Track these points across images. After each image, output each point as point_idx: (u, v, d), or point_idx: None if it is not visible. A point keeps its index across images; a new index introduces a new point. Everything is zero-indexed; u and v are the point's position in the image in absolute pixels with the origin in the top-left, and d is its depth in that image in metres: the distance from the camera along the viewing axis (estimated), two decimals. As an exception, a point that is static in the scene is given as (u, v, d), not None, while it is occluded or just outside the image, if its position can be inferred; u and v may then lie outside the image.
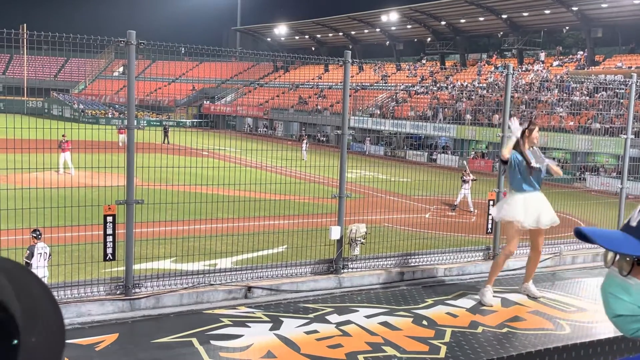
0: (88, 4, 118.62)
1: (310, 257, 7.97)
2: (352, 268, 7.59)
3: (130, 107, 6.21)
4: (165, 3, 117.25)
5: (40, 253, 10.84)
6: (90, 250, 7.40)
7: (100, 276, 6.68)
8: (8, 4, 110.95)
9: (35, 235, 10.79)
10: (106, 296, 6.10)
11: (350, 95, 7.79)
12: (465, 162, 23.64)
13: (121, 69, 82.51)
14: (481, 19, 54.68)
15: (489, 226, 8.67)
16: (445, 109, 47.52)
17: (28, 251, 10.75)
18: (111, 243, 6.09)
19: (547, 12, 49.57)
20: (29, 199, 7.12)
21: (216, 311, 6.34)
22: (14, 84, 71.57)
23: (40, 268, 10.62)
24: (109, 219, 6.06)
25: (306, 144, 37.71)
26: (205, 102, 74.96)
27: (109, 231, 6.04)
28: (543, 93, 42.21)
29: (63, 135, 20.83)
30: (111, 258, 6.13)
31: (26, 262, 10.66)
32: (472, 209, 22.86)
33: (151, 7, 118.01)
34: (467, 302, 7.23)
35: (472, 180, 22.68)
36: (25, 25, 76.98)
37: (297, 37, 77.07)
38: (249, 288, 6.72)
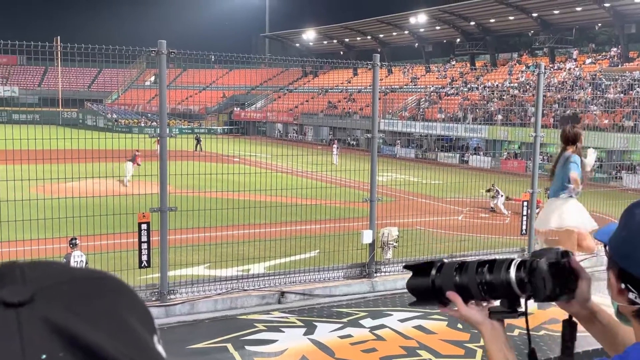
0: (119, 15, 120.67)
1: (342, 262, 7.96)
2: (385, 272, 7.56)
3: (163, 115, 6.30)
4: (194, 12, 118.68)
5: (77, 261, 11.05)
6: (125, 257, 7.50)
7: (135, 283, 6.76)
8: (41, 16, 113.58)
9: (72, 244, 11.01)
10: (142, 303, 6.17)
11: (379, 99, 7.77)
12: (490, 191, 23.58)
13: (153, 78, 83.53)
14: (511, 18, 54.07)
15: (524, 227, 8.55)
16: (476, 110, 47.09)
17: (65, 259, 10.97)
18: (146, 250, 6.17)
19: (578, 9, 48.81)
20: (65, 208, 7.25)
21: (250, 316, 6.38)
22: (49, 95, 73.07)
23: None
24: (144, 226, 6.14)
25: (337, 148, 37.66)
26: (235, 109, 75.49)
27: (144, 238, 6.12)
28: (576, 91, 41.57)
29: (137, 150, 21.63)
30: (146, 265, 6.20)
31: None
32: (505, 212, 22.66)
33: (181, 16, 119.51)
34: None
35: (501, 196, 22.81)
36: (59, 37, 78.59)
37: (325, 42, 77.24)
38: (282, 293, 6.74)
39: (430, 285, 1.61)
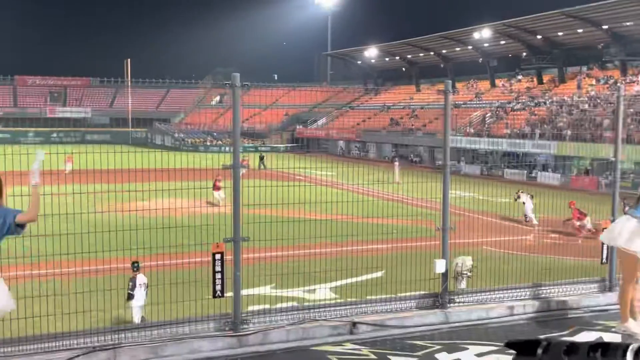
0: (186, 35, 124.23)
1: (409, 283, 7.84)
2: (459, 302, 7.35)
3: (236, 147, 6.34)
4: (258, 32, 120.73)
5: (141, 284, 11.37)
6: (197, 276, 7.54)
7: (204, 306, 6.79)
8: (113, 39, 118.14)
9: (135, 267, 11.31)
10: (216, 332, 6.20)
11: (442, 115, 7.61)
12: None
13: (217, 98, 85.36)
14: (580, 30, 52.56)
15: (604, 256, 8.15)
16: (544, 125, 45.87)
17: (131, 283, 11.30)
18: (220, 280, 6.20)
19: (651, 19, 47.08)
20: (136, 228, 7.41)
21: (322, 347, 6.30)
22: (120, 115, 75.66)
23: (140, 298, 11.21)
24: (217, 256, 6.17)
25: (399, 165, 37.50)
26: (298, 126, 76.15)
27: (218, 268, 6.16)
28: (651, 105, 39.98)
29: (219, 176, 22.07)
30: (220, 295, 6.23)
31: (129, 294, 11.26)
32: (534, 220, 22.63)
33: (245, 36, 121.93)
34: (584, 339, 6.81)
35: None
36: (129, 60, 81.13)
37: (387, 59, 77.03)
38: (354, 324, 6.63)
39: None
